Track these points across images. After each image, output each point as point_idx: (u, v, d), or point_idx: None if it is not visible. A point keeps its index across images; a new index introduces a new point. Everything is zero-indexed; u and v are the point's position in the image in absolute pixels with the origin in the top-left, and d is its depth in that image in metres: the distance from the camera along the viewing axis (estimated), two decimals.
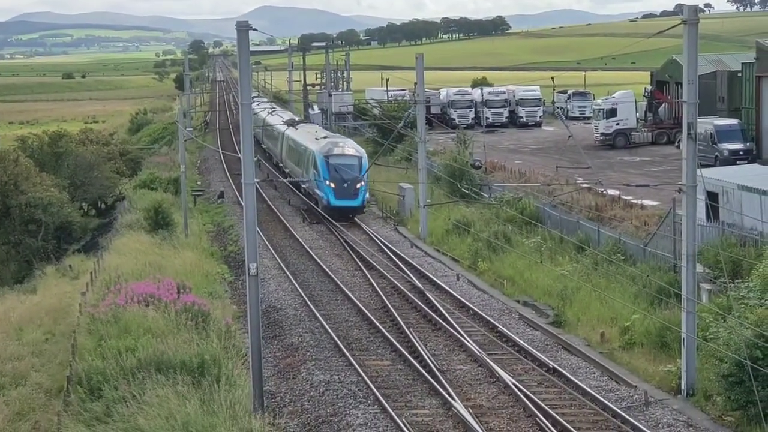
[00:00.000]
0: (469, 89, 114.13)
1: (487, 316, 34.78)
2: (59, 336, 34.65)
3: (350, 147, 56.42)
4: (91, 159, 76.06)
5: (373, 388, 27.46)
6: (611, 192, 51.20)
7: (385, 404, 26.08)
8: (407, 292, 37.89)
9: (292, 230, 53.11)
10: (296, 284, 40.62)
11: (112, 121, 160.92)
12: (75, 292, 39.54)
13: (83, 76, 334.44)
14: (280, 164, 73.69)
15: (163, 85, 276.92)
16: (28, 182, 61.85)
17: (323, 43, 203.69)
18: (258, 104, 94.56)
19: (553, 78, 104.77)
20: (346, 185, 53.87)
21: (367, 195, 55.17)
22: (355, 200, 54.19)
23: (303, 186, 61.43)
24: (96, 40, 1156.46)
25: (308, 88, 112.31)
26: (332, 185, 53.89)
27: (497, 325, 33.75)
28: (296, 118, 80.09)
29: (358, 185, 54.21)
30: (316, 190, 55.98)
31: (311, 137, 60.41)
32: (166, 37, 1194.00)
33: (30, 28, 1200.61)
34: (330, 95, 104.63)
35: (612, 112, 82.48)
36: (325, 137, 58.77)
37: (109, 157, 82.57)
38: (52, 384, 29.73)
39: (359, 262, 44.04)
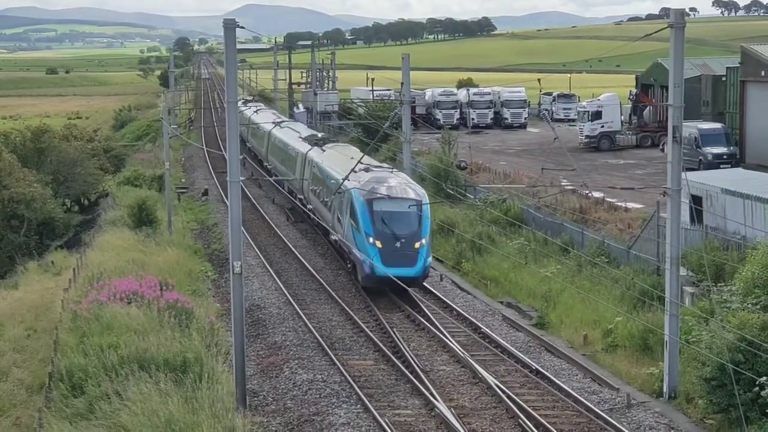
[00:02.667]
0: (455, 90, 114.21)
1: (470, 317, 34.81)
2: (41, 332, 34.52)
3: (404, 185, 39.24)
4: (74, 155, 75.75)
5: (356, 387, 27.45)
6: (596, 194, 51.29)
7: (368, 404, 26.08)
8: (390, 292, 37.88)
9: (276, 229, 53.01)
10: (280, 283, 40.57)
11: (96, 118, 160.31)
12: (57, 289, 39.40)
13: (67, 72, 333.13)
14: (301, 197, 54.97)
15: (147, 82, 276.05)
16: (11, 177, 61.57)
17: (309, 42, 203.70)
18: (256, 111, 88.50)
19: (539, 80, 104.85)
20: (399, 245, 37.11)
21: (430, 259, 38.42)
22: (413, 267, 36.74)
23: (313, 214, 48.52)
24: (80, 36, 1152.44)
25: (294, 87, 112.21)
26: (378, 244, 37.18)
27: (480, 326, 33.79)
28: (319, 134, 61.90)
29: (417, 244, 37.17)
30: (354, 250, 38.35)
31: (344, 166, 42.51)
32: (151, 33, 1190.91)
33: (13, 22, 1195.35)
34: (315, 94, 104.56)
35: (597, 115, 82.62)
36: (366, 169, 40.80)
37: (93, 154, 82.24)
38: (33, 380, 29.63)
39: (343, 262, 44.02)
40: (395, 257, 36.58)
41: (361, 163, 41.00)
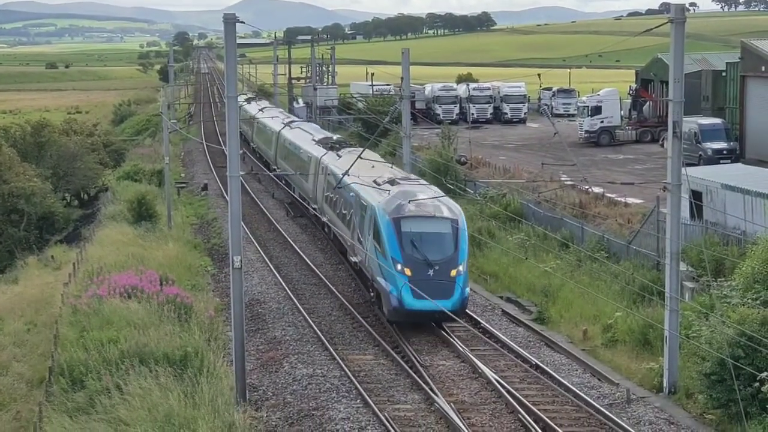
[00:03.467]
0: (454, 85, 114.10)
1: (470, 312, 34.79)
2: (41, 327, 34.55)
3: (437, 201, 33.92)
4: (74, 149, 75.78)
5: (356, 382, 27.46)
6: (595, 189, 51.29)
7: (368, 399, 26.09)
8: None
9: (275, 223, 53.01)
10: (279, 277, 40.57)
11: (95, 112, 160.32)
12: (57, 283, 39.44)
13: (67, 67, 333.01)
14: (314, 206, 48.77)
15: (147, 76, 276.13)
16: (11, 172, 61.62)
17: (309, 37, 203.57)
18: (262, 109, 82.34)
19: (539, 75, 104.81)
20: (432, 273, 31.66)
21: (468, 289, 32.96)
22: (449, 299, 31.17)
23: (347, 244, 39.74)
24: (80, 31, 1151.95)
25: (293, 81, 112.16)
26: (407, 272, 31.70)
27: (480, 321, 33.79)
28: (334, 137, 55.87)
29: (454, 272, 31.77)
30: (378, 278, 32.80)
31: (366, 177, 37.66)
32: (151, 28, 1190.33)
33: (13, 17, 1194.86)
34: (315, 89, 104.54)
35: (597, 110, 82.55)
36: (391, 181, 35.97)
37: (93, 148, 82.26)
38: (33, 374, 29.67)
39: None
40: (428, 287, 30.42)
41: (380, 170, 37.26)
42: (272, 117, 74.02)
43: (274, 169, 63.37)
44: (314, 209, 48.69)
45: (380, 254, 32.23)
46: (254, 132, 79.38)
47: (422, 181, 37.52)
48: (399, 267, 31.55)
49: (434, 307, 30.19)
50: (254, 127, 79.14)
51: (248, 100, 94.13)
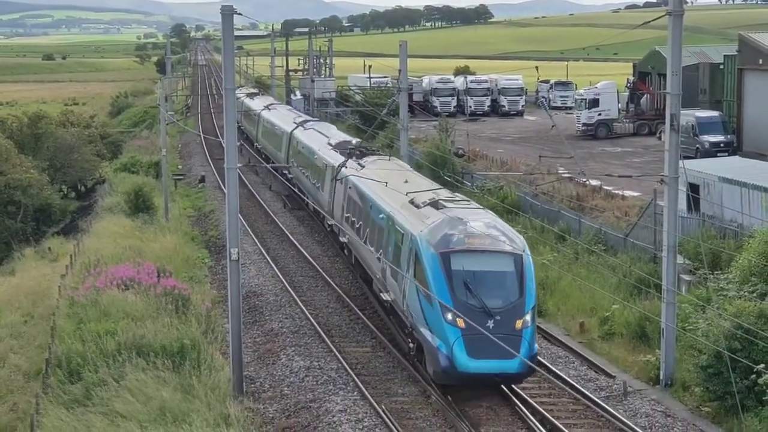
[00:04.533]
0: (452, 77, 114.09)
1: None
2: (38, 318, 34.53)
3: (494, 230, 26.64)
4: (71, 141, 75.75)
5: (353, 374, 27.47)
6: (593, 182, 51.30)
7: (365, 391, 26.09)
8: None
9: (273, 216, 52.98)
10: (277, 270, 40.56)
11: (92, 104, 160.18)
12: (54, 275, 39.41)
13: (64, 58, 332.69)
14: (331, 222, 42.82)
15: (144, 68, 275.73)
16: (8, 164, 61.58)
17: (306, 29, 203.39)
18: (267, 107, 74.76)
19: (537, 67, 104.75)
20: (492, 324, 24.75)
21: (537, 345, 26.28)
22: (513, 358, 24.42)
23: (329, 224, 38.81)
24: (76, 22, 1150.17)
25: (291, 73, 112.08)
26: (461, 324, 24.58)
27: None
28: (353, 141, 48.52)
29: (519, 322, 25.02)
30: (422, 329, 25.81)
31: (396, 194, 30.99)
32: (148, 20, 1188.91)
33: (10, 8, 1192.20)
34: (312, 81, 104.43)
35: (594, 103, 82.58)
36: (433, 202, 28.78)
37: (90, 140, 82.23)
38: (30, 366, 29.66)
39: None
40: (487, 343, 24.10)
41: (415, 183, 31.59)
42: (282, 115, 66.92)
43: (285, 174, 57.55)
44: (330, 225, 42.97)
45: (423, 297, 25.52)
46: (259, 131, 73.07)
47: (473, 203, 29.74)
48: (449, 316, 24.55)
49: (495, 369, 24.51)
50: (259, 126, 72.87)
51: (251, 95, 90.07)
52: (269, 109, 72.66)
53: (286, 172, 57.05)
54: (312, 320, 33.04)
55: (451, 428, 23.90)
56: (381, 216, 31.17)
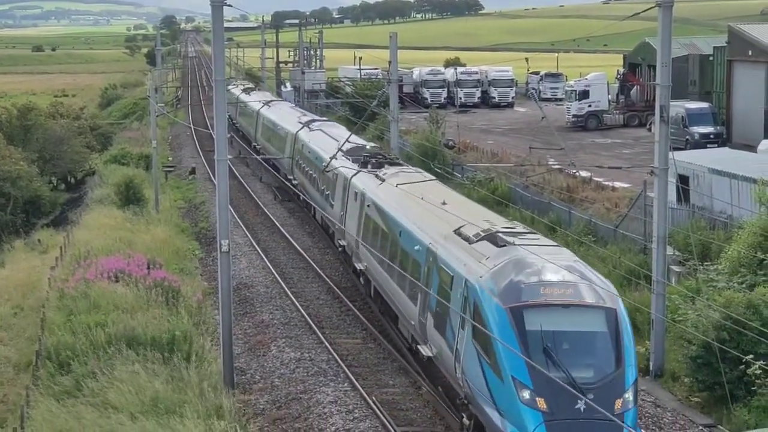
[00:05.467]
0: (442, 69, 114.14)
1: None
2: (28, 310, 34.46)
3: (575, 274, 20.67)
4: (61, 133, 75.54)
5: (344, 366, 27.52)
6: (583, 173, 51.37)
7: (356, 382, 26.14)
8: None
9: (263, 207, 52.96)
10: (267, 261, 40.55)
11: (82, 95, 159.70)
12: (44, 267, 39.31)
13: (53, 50, 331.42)
14: (341, 242, 37.56)
15: (134, 60, 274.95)
16: None
17: (296, 21, 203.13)
18: (267, 104, 69.36)
19: (527, 59, 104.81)
20: (583, 406, 18.26)
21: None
22: None
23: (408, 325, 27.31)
24: (66, 13, 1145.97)
25: (281, 65, 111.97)
26: (541, 404, 18.52)
27: None
28: (367, 146, 42.99)
29: (619, 402, 18.78)
30: (484, 405, 19.90)
31: (440, 220, 25.43)
32: (138, 11, 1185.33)
33: None
34: (303, 73, 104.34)
35: (584, 94, 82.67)
36: (489, 235, 22.66)
37: (80, 132, 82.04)
38: (20, 358, 29.60)
39: (330, 240, 44.02)
40: (575, 429, 18.35)
41: (457, 206, 25.84)
42: (285, 115, 61.18)
43: (291, 180, 52.40)
44: (342, 245, 37.27)
45: (488, 366, 19.44)
46: (258, 130, 68.14)
47: (540, 236, 23.39)
48: (526, 395, 18.54)
49: None
50: (258, 124, 68.19)
51: (247, 90, 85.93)
52: (269, 106, 67.54)
53: (291, 177, 52.16)
54: (302, 312, 33.05)
55: (442, 420, 23.95)
56: (417, 248, 25.44)
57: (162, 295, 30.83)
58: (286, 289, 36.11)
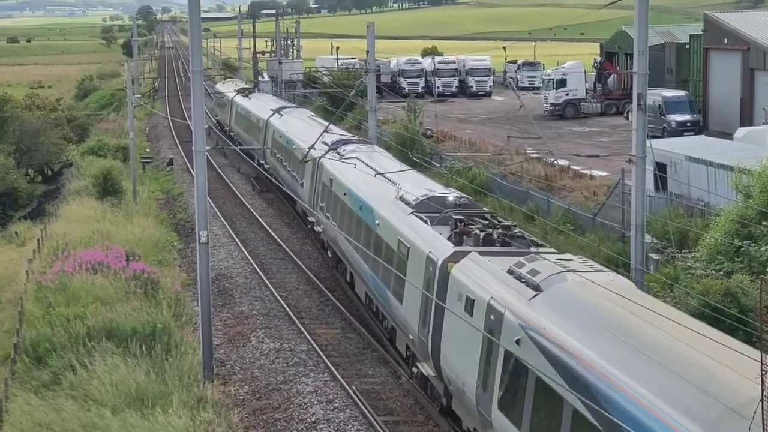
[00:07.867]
0: (420, 58, 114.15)
1: None
2: (5, 303, 34.23)
3: None
4: (37, 125, 75.14)
5: (323, 356, 27.53)
6: (561, 162, 51.49)
7: (335, 372, 26.16)
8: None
9: (242, 198, 52.86)
10: (246, 252, 40.50)
11: (58, 87, 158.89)
12: (21, 259, 39.10)
13: (28, 41, 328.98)
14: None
15: (110, 50, 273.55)
16: None
17: (273, 11, 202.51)
18: (279, 111, 53.79)
19: (504, 48, 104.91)
20: None
21: None
22: None
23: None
24: (41, 4, 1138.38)
25: (258, 56, 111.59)
26: None
27: None
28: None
29: None
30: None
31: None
32: (114, 2, 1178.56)
33: None
34: (280, 63, 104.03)
35: (561, 83, 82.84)
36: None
37: (56, 123, 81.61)
38: None
39: (309, 231, 43.99)
40: None
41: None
42: (304, 128, 45.82)
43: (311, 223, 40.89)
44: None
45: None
46: (267, 140, 53.57)
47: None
48: None
49: None
50: (266, 135, 53.95)
51: (244, 91, 70.63)
52: (281, 115, 53.02)
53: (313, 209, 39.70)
54: (282, 302, 33.04)
55: (422, 409, 24.00)
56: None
57: (141, 287, 30.75)
58: (265, 279, 36.08)
